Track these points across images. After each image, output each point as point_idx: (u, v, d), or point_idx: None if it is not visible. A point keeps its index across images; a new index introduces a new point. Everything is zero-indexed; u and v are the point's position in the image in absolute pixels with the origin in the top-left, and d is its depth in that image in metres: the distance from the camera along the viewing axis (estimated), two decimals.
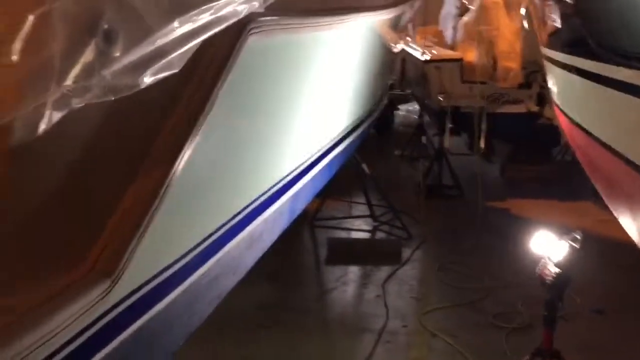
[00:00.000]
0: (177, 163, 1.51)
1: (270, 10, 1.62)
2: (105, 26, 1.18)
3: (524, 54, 8.41)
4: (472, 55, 8.82)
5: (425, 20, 11.49)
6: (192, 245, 1.75)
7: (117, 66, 1.20)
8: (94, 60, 1.18)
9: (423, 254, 6.14)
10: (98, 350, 1.31)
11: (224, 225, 1.98)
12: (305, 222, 7.06)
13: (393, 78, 11.35)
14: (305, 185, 3.10)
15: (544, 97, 7.99)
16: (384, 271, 5.66)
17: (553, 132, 7.58)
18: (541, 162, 8.53)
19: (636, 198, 2.78)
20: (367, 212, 7.16)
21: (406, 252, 6.11)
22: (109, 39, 1.19)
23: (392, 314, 4.79)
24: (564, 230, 3.23)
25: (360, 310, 4.98)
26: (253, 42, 1.74)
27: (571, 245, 2.94)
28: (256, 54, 1.86)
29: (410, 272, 5.73)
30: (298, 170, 2.89)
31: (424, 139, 8.80)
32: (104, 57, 1.19)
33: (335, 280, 5.56)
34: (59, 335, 1.12)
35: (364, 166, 6.81)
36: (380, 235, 6.80)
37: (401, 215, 6.85)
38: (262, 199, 2.36)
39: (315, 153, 3.29)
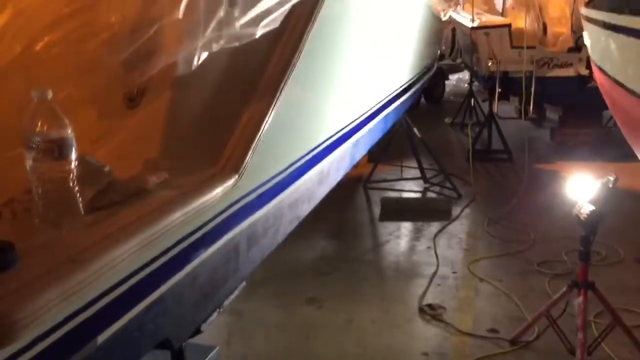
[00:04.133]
0: (276, 97, 1.97)
1: None
2: None
3: (574, 18, 8.47)
4: (521, 21, 8.95)
5: None
6: (279, 170, 2.22)
7: (240, 22, 1.67)
8: (224, 18, 1.65)
9: (472, 212, 6.49)
10: (226, 232, 1.80)
11: (302, 157, 2.43)
12: (359, 185, 7.51)
13: (443, 48, 11.55)
14: (364, 135, 3.53)
15: None
16: (434, 227, 6.05)
17: None
18: (591, 125, 8.62)
19: None
20: (418, 175, 7.54)
21: (456, 210, 6.48)
22: (233, 3, 1.66)
23: (442, 262, 5.19)
24: (598, 175, 3.54)
25: (412, 259, 5.40)
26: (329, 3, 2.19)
27: (604, 184, 3.26)
28: (330, 13, 2.29)
29: (460, 227, 6.09)
30: (359, 121, 3.33)
31: (472, 103, 9.04)
32: (230, 16, 1.66)
33: (389, 235, 6.00)
34: (206, 211, 1.61)
35: (415, 130, 7.15)
36: (431, 195, 7.18)
37: (451, 177, 7.21)
38: (331, 140, 2.80)
39: (373, 107, 3.72)
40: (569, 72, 8.41)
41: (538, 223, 5.92)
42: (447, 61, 15.54)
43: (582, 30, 8.22)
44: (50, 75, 1.56)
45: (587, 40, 5.22)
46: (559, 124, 9.01)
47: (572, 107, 8.71)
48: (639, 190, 6.59)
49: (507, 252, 5.34)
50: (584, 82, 8.34)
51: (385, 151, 7.41)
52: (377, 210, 6.67)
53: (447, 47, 13.69)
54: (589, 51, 5.34)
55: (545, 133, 9.28)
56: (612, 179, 3.29)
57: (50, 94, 1.25)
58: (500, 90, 8.32)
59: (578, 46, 8.36)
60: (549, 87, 8.35)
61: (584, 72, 8.33)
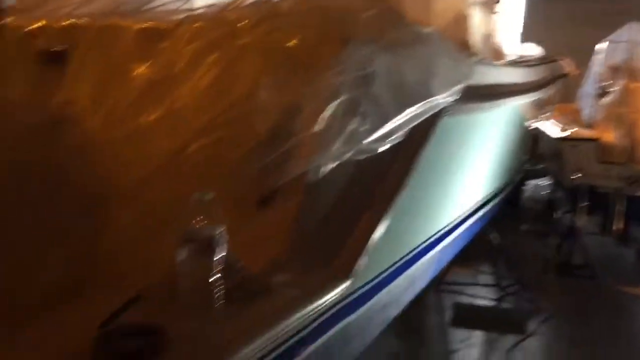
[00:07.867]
0: (389, 207, 2.06)
1: (460, 97, 2.19)
2: (361, 109, 1.78)
3: None
4: (610, 135, 8.79)
5: (562, 98, 11.54)
6: (378, 272, 2.27)
7: (368, 138, 1.81)
8: (355, 133, 1.78)
9: (549, 329, 6.18)
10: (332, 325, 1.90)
11: (398, 261, 2.47)
12: (431, 287, 7.34)
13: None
14: (451, 242, 3.53)
15: None
16: (508, 339, 5.79)
17: None
18: None
19: None
20: (493, 282, 7.29)
21: (532, 325, 6.18)
22: (364, 117, 1.79)
23: None
24: None
25: None
26: (445, 120, 2.32)
27: None
28: (446, 129, 2.41)
29: (535, 344, 5.80)
30: (448, 228, 3.34)
31: (556, 215, 8.81)
32: (360, 132, 1.80)
33: (460, 342, 5.78)
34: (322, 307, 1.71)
35: (495, 235, 7.02)
36: (506, 306, 6.90)
37: (528, 289, 6.93)
38: (423, 246, 2.83)
39: (462, 215, 3.73)
40: None
41: (621, 352, 5.57)
42: (526, 166, 15.18)
43: None
44: (193, 175, 1.71)
45: None
46: None
47: None
48: None
49: None
50: None
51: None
52: (448, 314, 6.47)
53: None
54: None
55: (630, 252, 8.84)
56: None
57: (210, 196, 1.37)
58: (585, 204, 8.10)
59: None
60: (636, 205, 8.07)
61: None
